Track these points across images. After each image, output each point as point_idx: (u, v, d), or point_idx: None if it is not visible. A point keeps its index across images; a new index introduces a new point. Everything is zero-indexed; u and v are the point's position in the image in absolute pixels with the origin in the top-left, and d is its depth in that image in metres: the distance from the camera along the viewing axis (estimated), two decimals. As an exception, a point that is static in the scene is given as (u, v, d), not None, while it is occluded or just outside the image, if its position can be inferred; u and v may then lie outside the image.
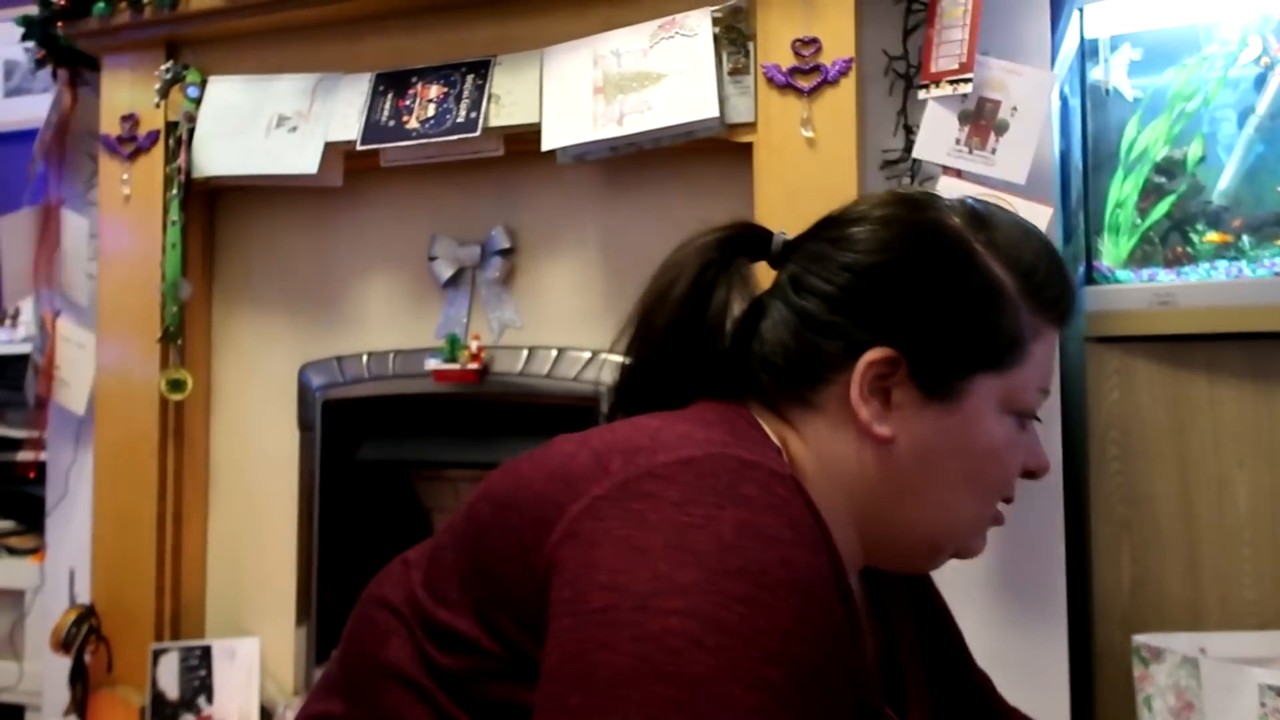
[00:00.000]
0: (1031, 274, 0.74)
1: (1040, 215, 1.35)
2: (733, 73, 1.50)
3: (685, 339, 0.77)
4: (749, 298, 0.80)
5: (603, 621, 0.54)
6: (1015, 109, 1.37)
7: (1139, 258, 1.45)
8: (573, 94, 1.56)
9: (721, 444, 0.63)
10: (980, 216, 0.75)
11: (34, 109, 2.39)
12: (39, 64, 1.99)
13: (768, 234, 0.82)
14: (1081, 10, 1.50)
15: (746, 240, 0.81)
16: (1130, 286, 1.42)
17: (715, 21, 1.50)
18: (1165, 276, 1.41)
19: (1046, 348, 0.75)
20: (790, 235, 0.82)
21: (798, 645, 0.54)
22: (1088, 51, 1.51)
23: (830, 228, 0.78)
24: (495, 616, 0.63)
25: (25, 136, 2.21)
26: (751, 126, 1.49)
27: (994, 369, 0.72)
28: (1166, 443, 1.37)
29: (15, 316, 2.48)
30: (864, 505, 0.73)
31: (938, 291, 0.72)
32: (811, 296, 0.75)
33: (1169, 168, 1.45)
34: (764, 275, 0.82)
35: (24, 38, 1.96)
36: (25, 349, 2.14)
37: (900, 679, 0.83)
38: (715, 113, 1.46)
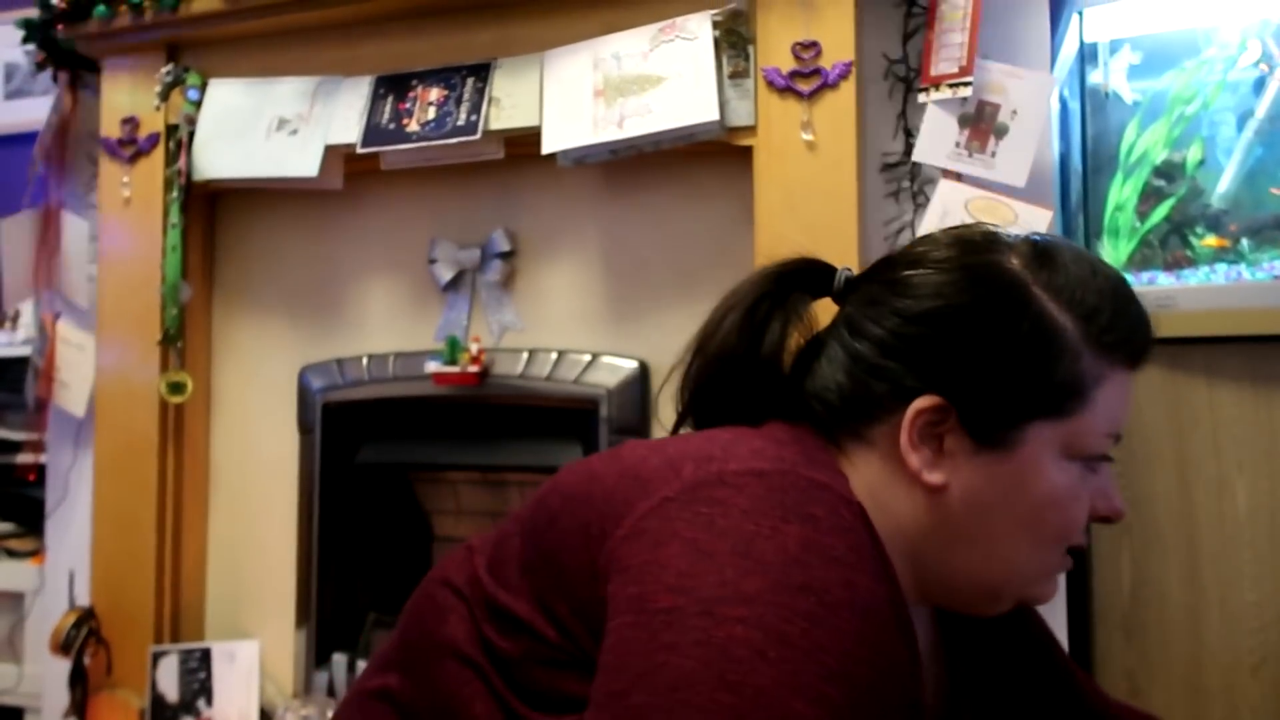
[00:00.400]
0: (1094, 316, 0.70)
1: (1040, 218, 1.35)
2: (733, 76, 1.51)
3: (737, 369, 0.78)
4: (808, 333, 0.81)
5: (667, 622, 0.55)
6: (1015, 112, 1.37)
7: (1139, 261, 1.45)
8: (573, 97, 1.56)
9: (793, 463, 0.64)
10: (1042, 254, 0.72)
11: (34, 112, 2.40)
12: (39, 67, 1.99)
13: (831, 270, 0.82)
14: (1081, 14, 1.50)
15: (807, 275, 0.82)
16: (1130, 289, 1.42)
17: (715, 25, 1.50)
18: (1165, 279, 1.41)
19: (1116, 390, 0.71)
20: (855, 272, 0.82)
21: (856, 666, 0.55)
22: (1087, 55, 1.51)
23: (888, 269, 0.78)
24: (553, 603, 0.65)
25: (25, 139, 2.21)
26: (751, 130, 1.50)
27: (1051, 416, 0.69)
28: (1166, 445, 1.37)
29: (15, 319, 2.48)
30: (917, 547, 0.72)
31: (988, 339, 0.70)
32: (864, 340, 0.74)
33: (1168, 171, 1.46)
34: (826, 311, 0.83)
35: (24, 40, 1.95)
36: (25, 351, 2.15)
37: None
38: (715, 116, 1.46)
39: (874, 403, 0.73)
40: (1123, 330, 0.71)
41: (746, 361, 0.78)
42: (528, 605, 0.66)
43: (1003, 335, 0.70)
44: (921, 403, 0.70)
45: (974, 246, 0.74)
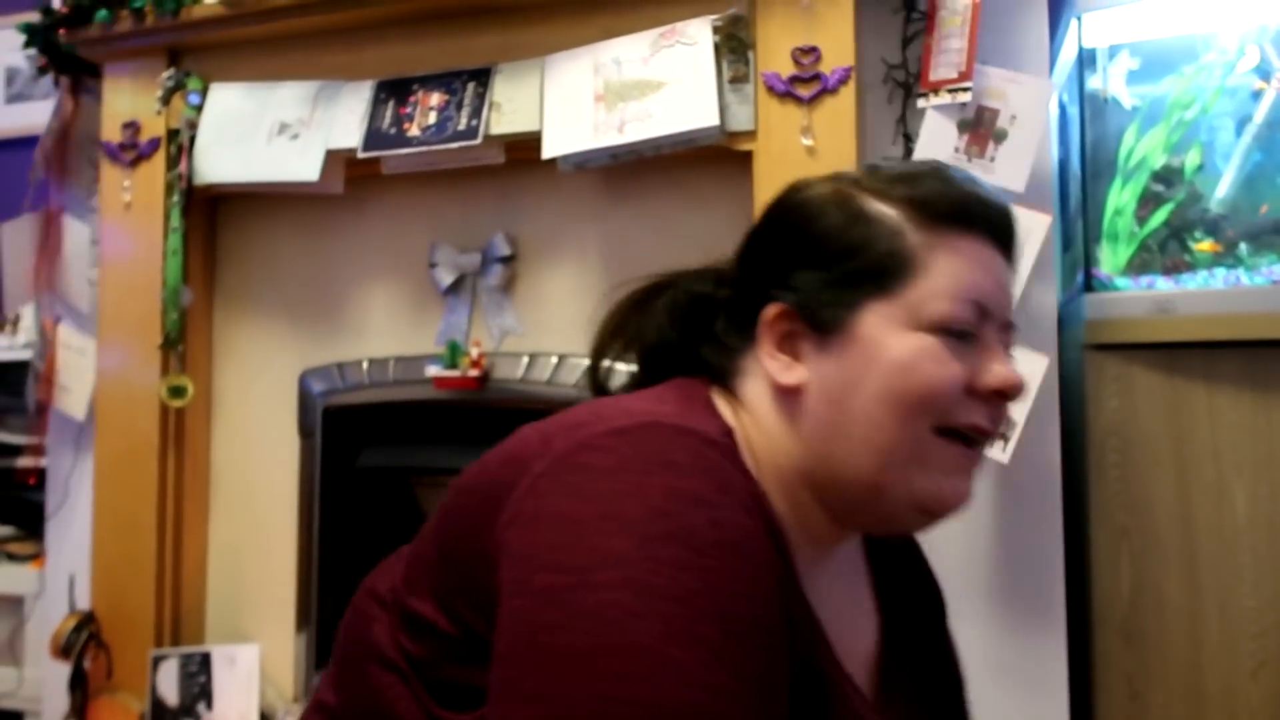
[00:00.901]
0: (914, 195, 0.75)
1: (1039, 223, 1.35)
2: (733, 81, 1.51)
3: (648, 346, 0.86)
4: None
5: (546, 601, 0.57)
6: (1014, 117, 1.38)
7: (1137, 265, 1.45)
8: (573, 102, 1.56)
9: (660, 414, 0.66)
10: (867, 167, 0.79)
11: (35, 116, 2.40)
12: (41, 71, 2.00)
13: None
14: (1080, 19, 1.51)
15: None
16: (1129, 294, 1.42)
17: (715, 30, 1.51)
18: (1164, 284, 1.42)
19: (954, 257, 0.73)
20: None
21: (731, 601, 0.57)
22: (1086, 60, 1.51)
23: None
24: (453, 600, 0.67)
25: (27, 143, 2.22)
26: (751, 134, 1.50)
27: (882, 294, 0.72)
28: (1165, 450, 1.37)
29: (16, 323, 2.48)
30: (807, 466, 0.74)
31: (805, 239, 0.76)
32: (725, 285, 0.82)
33: (1167, 176, 1.46)
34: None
35: (26, 45, 1.96)
36: (26, 355, 2.14)
37: (900, 670, 0.84)
38: (715, 121, 1.47)
39: (742, 337, 0.78)
40: (946, 200, 0.75)
41: (646, 329, 0.86)
42: (431, 606, 0.68)
43: (817, 232, 0.75)
44: (766, 314, 0.75)
45: (804, 181, 0.80)
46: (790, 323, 0.75)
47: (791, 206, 0.79)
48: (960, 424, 0.72)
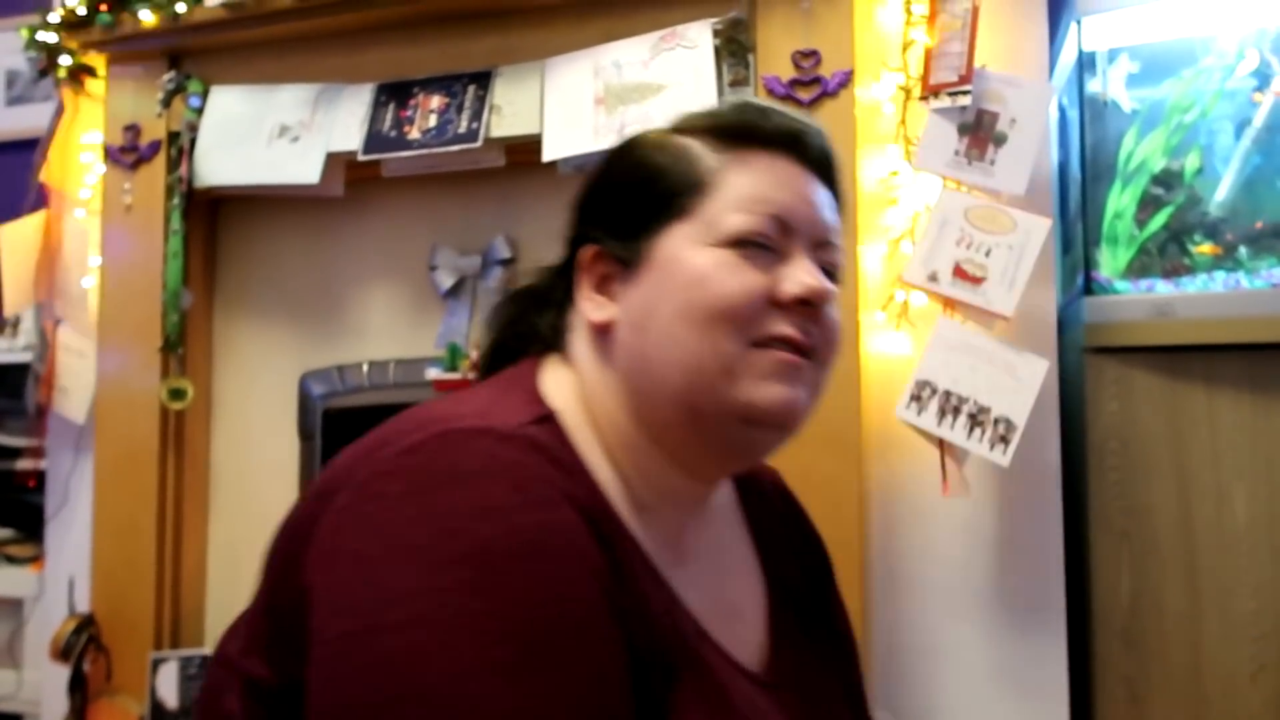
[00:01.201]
0: (707, 121, 0.76)
1: (1039, 226, 1.35)
2: (733, 84, 1.51)
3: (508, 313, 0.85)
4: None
5: (338, 652, 0.56)
6: (1014, 120, 1.38)
7: (1137, 268, 1.45)
8: (574, 105, 1.56)
9: (456, 418, 0.64)
10: (683, 115, 0.79)
11: (36, 118, 2.40)
12: (41, 73, 2.00)
13: None
14: (1079, 23, 1.51)
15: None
16: (1128, 297, 1.42)
17: (716, 33, 1.51)
18: (1163, 287, 1.41)
19: (749, 173, 0.73)
20: None
21: (528, 613, 0.55)
22: (1086, 64, 1.51)
23: None
24: (281, 655, 0.64)
25: (27, 146, 2.22)
26: (751, 138, 1.50)
27: (679, 216, 0.73)
28: (1165, 453, 1.37)
29: (16, 325, 2.48)
30: (630, 404, 0.73)
31: (609, 180, 0.78)
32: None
33: (1167, 179, 1.46)
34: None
35: (27, 47, 1.96)
36: (26, 357, 2.14)
37: (790, 636, 0.82)
38: (715, 124, 1.46)
39: (570, 292, 0.78)
40: (741, 121, 0.75)
41: (514, 305, 0.85)
42: (262, 664, 0.66)
43: (621, 171, 0.77)
44: (581, 258, 0.76)
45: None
46: (604, 263, 0.75)
47: (607, 156, 0.80)
48: (767, 335, 0.70)
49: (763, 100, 0.79)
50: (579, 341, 0.77)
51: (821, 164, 0.78)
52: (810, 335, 0.72)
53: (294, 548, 0.64)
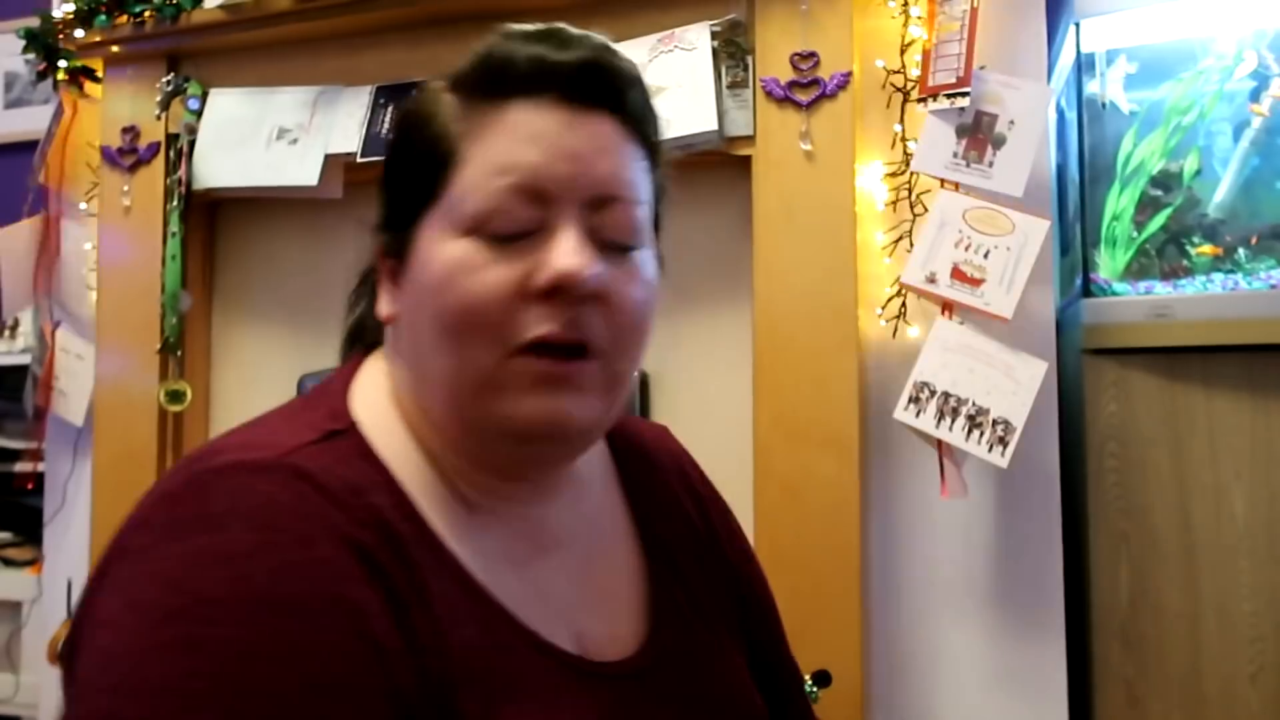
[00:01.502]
0: (459, 74, 0.65)
1: (1038, 227, 1.35)
2: (731, 86, 1.51)
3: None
4: None
5: (64, 714, 0.52)
6: (1012, 122, 1.38)
7: (1136, 270, 1.45)
8: (572, 107, 1.56)
9: (219, 451, 0.58)
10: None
11: (35, 121, 2.40)
12: (40, 75, 2.00)
13: None
14: (1078, 24, 1.51)
15: None
16: (1127, 299, 1.42)
17: (714, 35, 1.51)
18: (1162, 289, 1.42)
19: (493, 137, 0.62)
20: None
21: (241, 668, 0.49)
22: (1084, 65, 1.51)
23: None
24: None
25: (26, 148, 2.22)
26: (750, 140, 1.50)
27: (428, 202, 0.63)
28: (1164, 455, 1.37)
29: (14, 328, 2.48)
30: (427, 403, 0.65)
31: (386, 156, 0.69)
32: None
33: (1165, 181, 1.46)
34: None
35: (25, 49, 1.96)
36: (24, 360, 2.15)
37: (676, 618, 0.74)
38: (714, 126, 1.47)
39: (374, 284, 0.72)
40: (483, 68, 0.63)
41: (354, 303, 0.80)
42: None
43: (391, 145, 0.68)
44: (376, 247, 0.69)
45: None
46: (384, 257, 0.68)
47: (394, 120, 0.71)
48: (527, 340, 0.60)
49: (526, 27, 0.64)
50: (388, 335, 0.70)
51: (603, 93, 0.63)
52: (584, 328, 0.61)
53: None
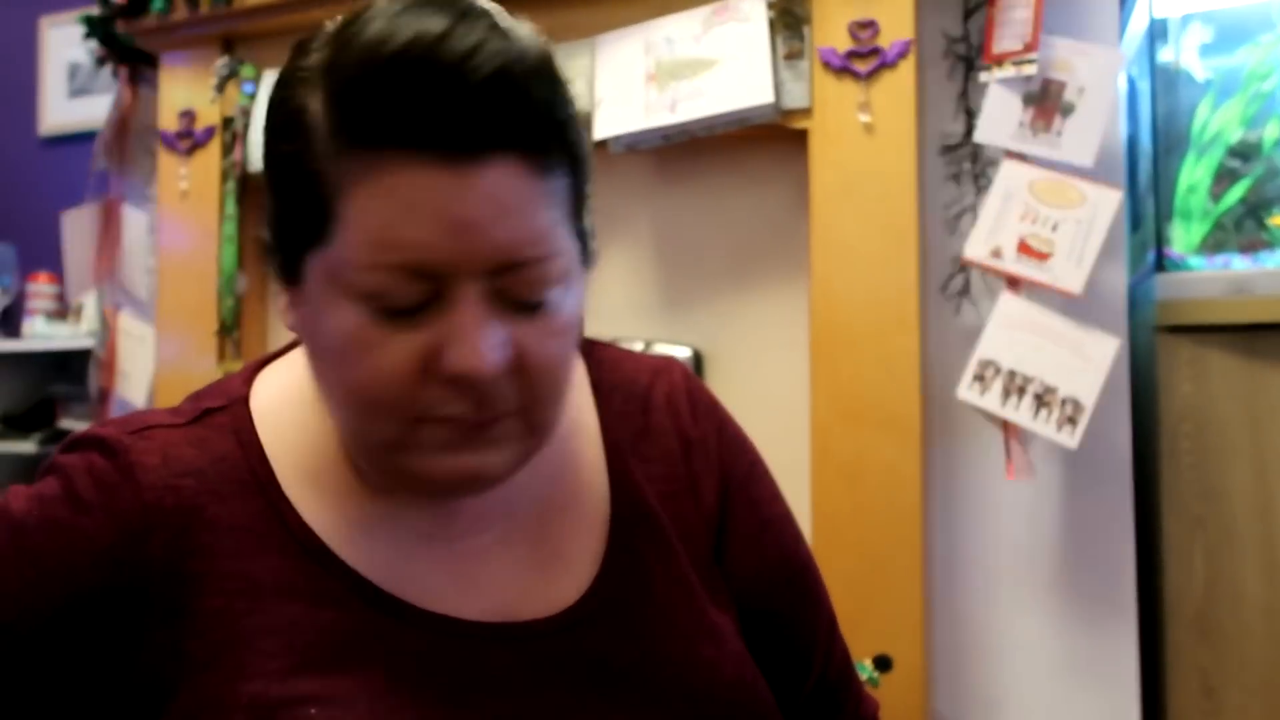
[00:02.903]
0: (334, 83, 0.54)
1: (1109, 199, 1.30)
2: (788, 57, 1.48)
3: None
4: None
5: None
6: (1082, 90, 1.33)
7: (1212, 244, 1.40)
8: (625, 82, 1.54)
9: (106, 422, 0.65)
10: (339, 25, 0.57)
11: (97, 110, 2.44)
12: (100, 62, 2.03)
13: None
14: (1151, -12, 1.45)
15: None
16: (1203, 274, 1.37)
17: (770, 6, 1.47)
18: (1240, 263, 1.36)
19: (371, 197, 0.53)
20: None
21: None
22: (1156, 32, 1.46)
23: None
24: None
25: (89, 136, 2.26)
26: (807, 112, 1.47)
27: (314, 242, 0.55)
28: (1242, 436, 1.32)
29: (79, 312, 2.53)
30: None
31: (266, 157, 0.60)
32: None
33: (1244, 150, 1.41)
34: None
35: (86, 36, 1.99)
36: (88, 343, 2.19)
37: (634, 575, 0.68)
38: (770, 99, 1.43)
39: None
40: (363, 100, 0.52)
41: None
42: None
43: (265, 133, 0.59)
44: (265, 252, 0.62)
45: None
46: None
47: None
48: (435, 417, 0.56)
49: (415, 21, 0.53)
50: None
51: (501, 130, 0.53)
52: (495, 403, 0.56)
53: None
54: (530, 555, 0.67)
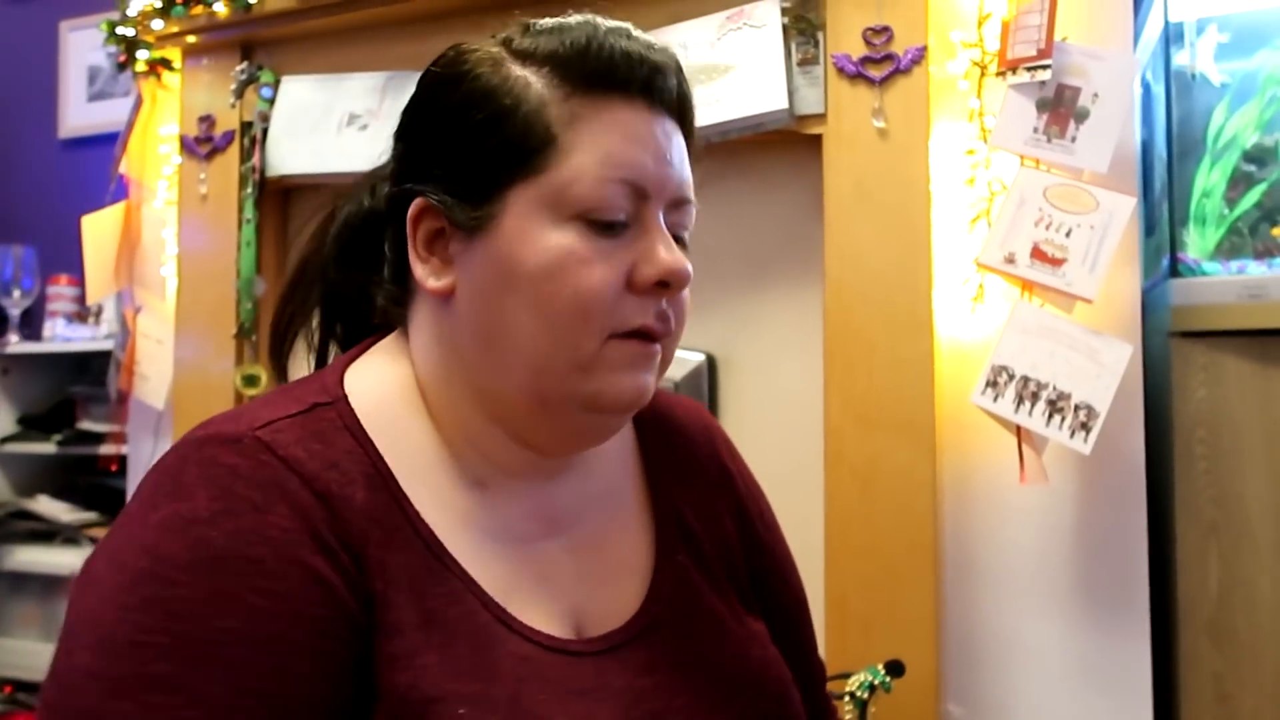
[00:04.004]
0: (556, 53, 0.66)
1: (1124, 204, 1.30)
2: (802, 63, 1.48)
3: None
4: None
5: (48, 670, 0.58)
6: (1096, 95, 1.33)
7: (1227, 249, 1.39)
8: (640, 88, 1.55)
9: (205, 425, 0.63)
10: (523, 26, 0.70)
11: (117, 113, 2.46)
12: (120, 66, 2.05)
13: None
14: (1166, -8, 1.45)
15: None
16: (1217, 279, 1.37)
17: (784, 12, 1.48)
18: (1256, 268, 1.36)
19: (601, 130, 0.65)
20: None
21: (197, 625, 0.55)
22: (1172, 36, 1.46)
23: None
24: None
25: (109, 139, 2.27)
26: (821, 118, 1.47)
27: (524, 176, 0.65)
28: (1257, 441, 1.32)
29: (99, 314, 2.55)
30: (469, 381, 0.68)
31: (434, 121, 0.69)
32: (383, 190, 0.75)
33: (1259, 155, 1.40)
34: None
35: (107, 40, 2.01)
36: (107, 345, 2.20)
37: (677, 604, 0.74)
38: (784, 104, 1.44)
39: (397, 249, 0.71)
40: (590, 59, 0.66)
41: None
42: None
43: (456, 105, 0.67)
44: (411, 210, 0.68)
45: (460, 44, 0.72)
46: (437, 218, 0.68)
47: (438, 75, 0.70)
48: (625, 330, 0.65)
49: (606, 22, 0.68)
50: (420, 309, 0.71)
51: (676, 104, 0.69)
52: (666, 320, 0.67)
53: None
54: (594, 565, 0.72)
